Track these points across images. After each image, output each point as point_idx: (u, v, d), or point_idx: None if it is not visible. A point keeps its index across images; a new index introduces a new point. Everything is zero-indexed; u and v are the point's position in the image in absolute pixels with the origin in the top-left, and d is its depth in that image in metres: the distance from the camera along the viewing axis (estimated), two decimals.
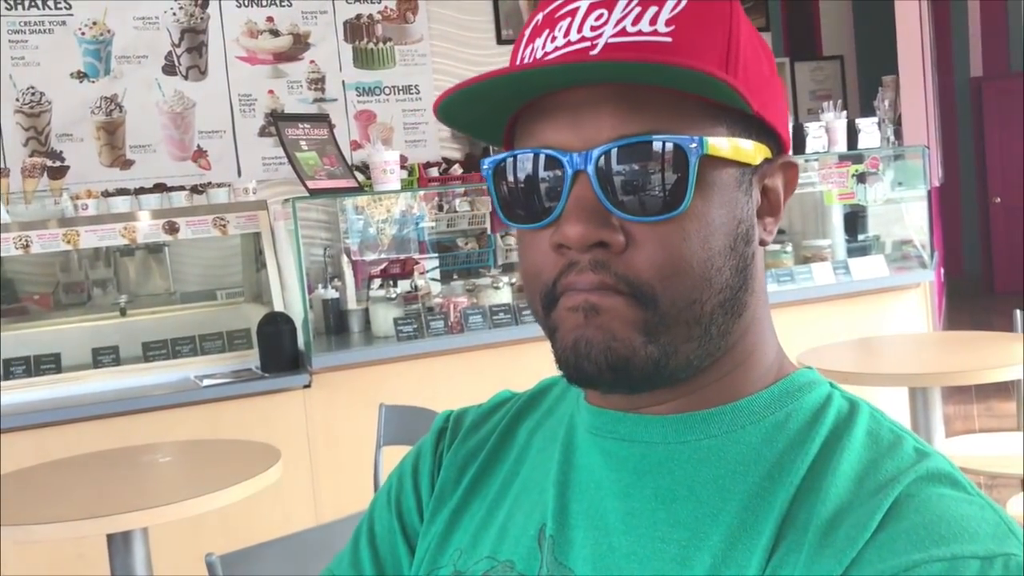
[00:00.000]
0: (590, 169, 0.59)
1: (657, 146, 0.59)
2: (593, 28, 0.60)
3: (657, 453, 0.64)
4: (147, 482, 2.33)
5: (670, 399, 0.64)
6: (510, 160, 0.63)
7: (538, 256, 0.63)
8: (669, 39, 0.59)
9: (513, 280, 3.76)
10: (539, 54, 0.62)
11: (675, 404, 0.65)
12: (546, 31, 0.62)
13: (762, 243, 0.65)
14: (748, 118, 0.62)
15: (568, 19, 0.61)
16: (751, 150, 0.62)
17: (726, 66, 0.60)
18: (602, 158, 0.59)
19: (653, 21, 0.59)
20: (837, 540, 0.55)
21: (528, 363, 3.60)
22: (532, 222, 0.63)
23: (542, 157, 0.61)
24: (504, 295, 3.67)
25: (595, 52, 0.59)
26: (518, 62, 0.64)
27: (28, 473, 2.42)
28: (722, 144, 0.60)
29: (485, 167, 0.65)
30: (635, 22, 0.60)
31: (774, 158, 0.65)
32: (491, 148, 4.33)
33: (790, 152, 0.68)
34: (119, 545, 2.12)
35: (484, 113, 0.64)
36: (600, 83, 0.59)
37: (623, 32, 0.59)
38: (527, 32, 0.65)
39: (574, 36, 0.60)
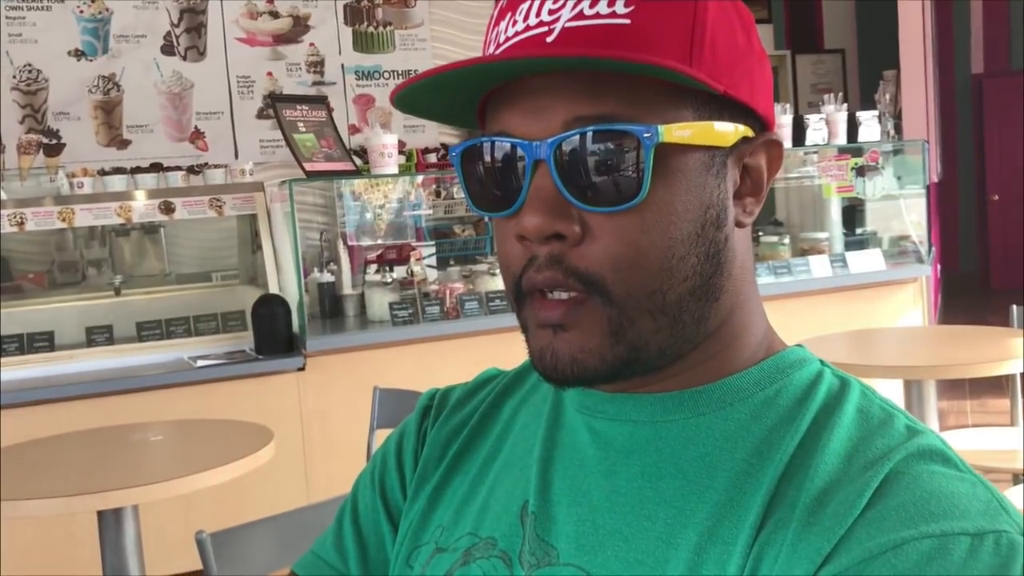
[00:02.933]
0: (548, 157, 0.58)
1: (611, 134, 0.57)
2: (551, 12, 0.59)
3: (645, 432, 0.64)
4: (139, 460, 2.33)
5: (658, 380, 0.64)
6: (475, 147, 0.62)
7: (506, 247, 0.62)
8: (627, 21, 0.57)
9: None
10: (501, 39, 0.61)
11: (663, 384, 0.64)
12: (508, 14, 0.61)
13: (739, 225, 0.64)
14: (720, 97, 0.60)
15: (528, 1, 0.60)
16: (723, 131, 0.60)
17: (690, 46, 0.58)
18: (559, 147, 0.58)
19: (611, 2, 0.58)
20: (826, 517, 0.54)
21: (523, 350, 3.59)
22: (497, 210, 0.62)
23: (503, 145, 0.60)
24: (500, 282, 3.66)
25: (551, 39, 0.58)
26: (487, 46, 0.63)
27: (19, 449, 2.42)
28: (682, 130, 0.58)
29: (453, 153, 0.64)
30: (592, 4, 0.58)
31: (756, 136, 0.64)
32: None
33: (775, 129, 0.67)
34: (110, 522, 2.12)
35: (450, 100, 0.63)
36: (556, 71, 0.58)
37: (580, 16, 0.58)
38: (494, 14, 0.64)
39: (532, 20, 0.59)
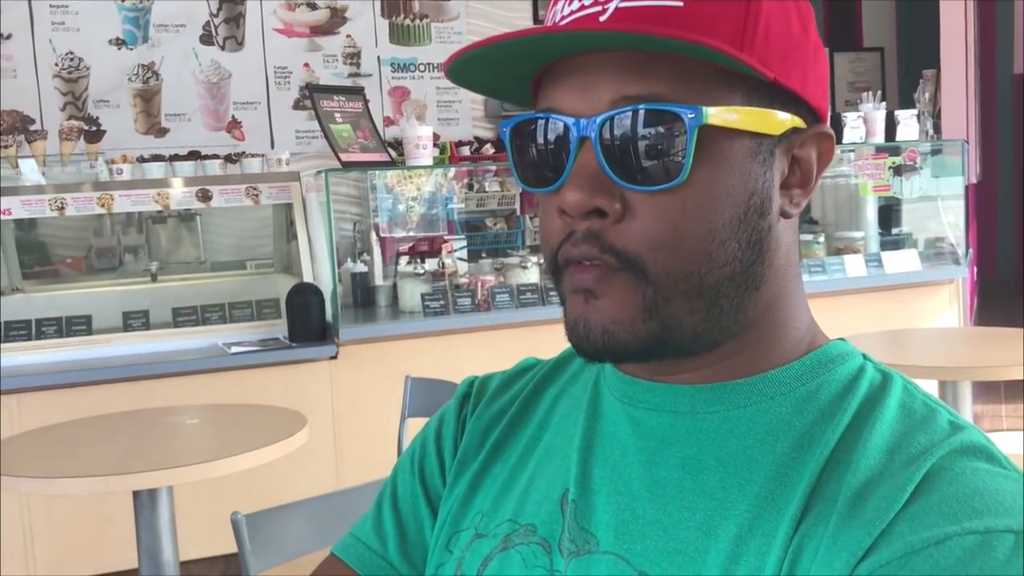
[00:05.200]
0: (593, 135, 0.59)
1: (656, 114, 0.58)
2: None
3: (685, 422, 0.64)
4: (174, 442, 2.36)
5: (696, 368, 0.64)
6: (524, 123, 0.63)
7: (548, 222, 0.63)
8: (681, 3, 0.58)
9: (541, 261, 3.76)
10: (557, 18, 0.62)
11: (703, 374, 0.64)
12: None
13: (785, 215, 0.63)
14: (771, 85, 0.60)
15: None
16: (772, 119, 0.60)
17: (742, 32, 0.58)
18: (606, 124, 0.58)
19: None
20: (867, 511, 0.55)
21: (553, 342, 3.59)
22: (542, 186, 0.63)
23: (551, 122, 0.61)
24: (532, 275, 3.68)
25: (604, 18, 0.59)
26: (546, 24, 0.64)
27: (57, 429, 2.46)
28: (729, 114, 0.58)
29: (503, 129, 0.65)
30: None
31: (807, 127, 0.63)
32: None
33: (827, 121, 0.66)
34: (145, 502, 2.15)
35: (505, 75, 0.64)
36: (608, 49, 0.59)
37: None
38: None
39: (587, 0, 0.60)
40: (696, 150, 0.58)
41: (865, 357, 0.67)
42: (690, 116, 0.57)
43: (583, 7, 0.60)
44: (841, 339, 0.68)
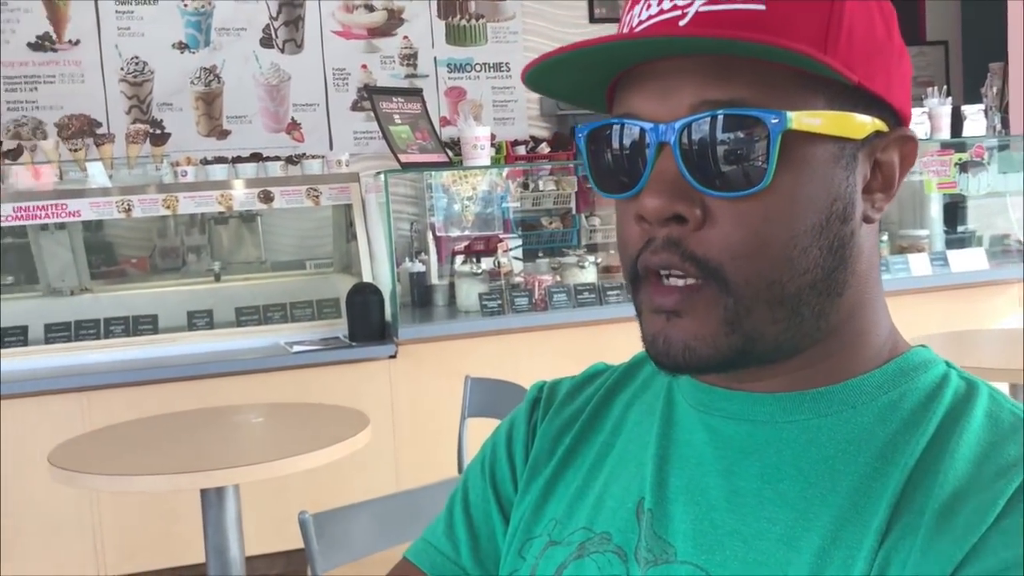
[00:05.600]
0: (673, 141, 0.58)
1: (737, 119, 0.57)
2: None
3: (764, 432, 0.63)
4: (241, 441, 2.40)
5: (775, 376, 0.63)
6: (600, 129, 0.63)
7: (625, 228, 0.62)
8: (763, 7, 0.57)
9: (599, 260, 3.75)
10: (634, 22, 0.61)
11: (782, 382, 0.63)
12: None
13: (867, 220, 0.62)
14: (854, 89, 0.59)
15: None
16: (855, 123, 0.59)
17: (825, 35, 0.58)
18: (685, 130, 0.58)
19: None
20: (957, 525, 0.54)
21: (610, 343, 3.58)
22: (619, 192, 0.62)
23: (629, 127, 0.61)
24: (589, 275, 3.67)
25: (684, 23, 0.58)
26: (620, 30, 0.63)
27: (124, 428, 2.52)
28: (812, 119, 0.57)
29: (579, 134, 0.65)
30: None
31: (890, 131, 0.62)
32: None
33: (910, 124, 0.65)
34: (212, 500, 2.19)
35: (581, 80, 0.64)
36: (688, 54, 0.58)
37: (714, 0, 0.58)
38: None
39: (666, 4, 0.59)
40: (779, 155, 0.57)
41: (948, 365, 0.65)
42: (773, 121, 0.56)
43: (662, 12, 0.59)
44: (923, 346, 0.67)
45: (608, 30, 5.66)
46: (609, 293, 3.49)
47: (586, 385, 0.80)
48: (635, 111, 0.61)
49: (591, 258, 3.74)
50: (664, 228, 0.59)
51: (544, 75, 0.63)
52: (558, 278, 3.68)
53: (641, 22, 0.61)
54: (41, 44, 4.77)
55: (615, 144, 0.62)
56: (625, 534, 0.66)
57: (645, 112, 0.60)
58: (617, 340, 3.56)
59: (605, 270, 3.80)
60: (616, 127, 0.62)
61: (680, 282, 0.60)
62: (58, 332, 3.32)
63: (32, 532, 3.14)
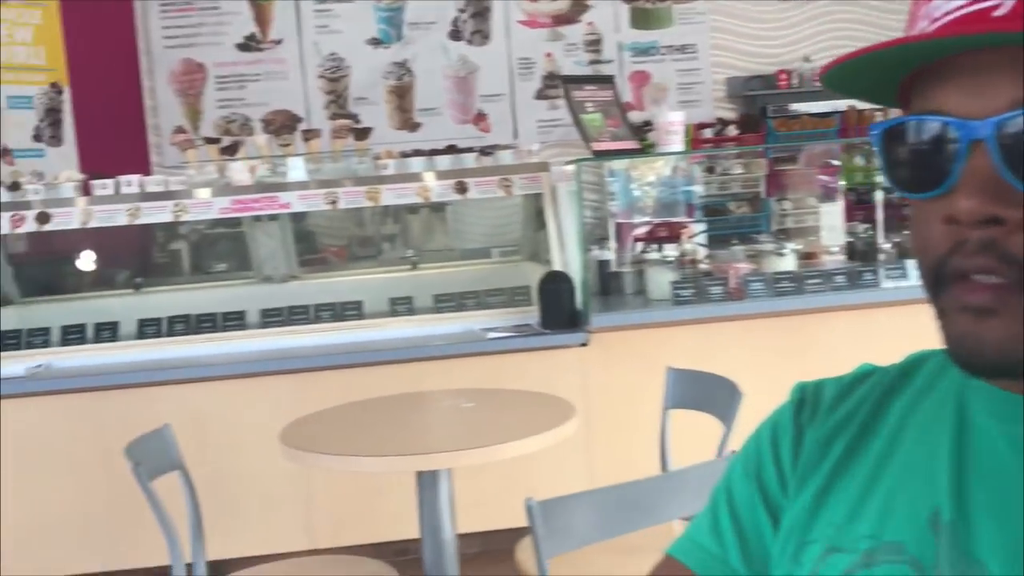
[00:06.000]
0: (989, 138, 0.55)
1: None
2: None
3: None
4: (454, 425, 2.48)
5: None
6: (900, 126, 0.60)
7: (928, 229, 0.60)
8: None
9: (798, 247, 3.63)
10: (937, 14, 0.58)
11: None
12: None
13: None
14: None
15: None
16: None
17: None
18: (1004, 127, 0.55)
19: None
20: None
21: (814, 335, 3.48)
22: (922, 192, 0.60)
23: (936, 124, 0.58)
24: (788, 262, 3.56)
25: (1000, 12, 0.55)
26: (916, 22, 0.61)
27: (344, 410, 2.64)
28: None
29: (874, 132, 0.62)
30: None
31: None
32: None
33: None
34: (427, 482, 2.27)
35: (879, 77, 0.62)
36: (998, 47, 0.55)
37: None
38: None
39: None
40: None
41: None
42: None
43: (973, 2, 0.56)
44: None
45: (798, 9, 5.47)
46: (809, 282, 3.38)
47: (855, 387, 0.78)
48: (943, 107, 0.58)
49: (790, 245, 3.62)
50: (979, 230, 0.57)
51: (840, 74, 0.61)
52: (754, 265, 3.59)
53: (946, 13, 0.58)
54: (247, 44, 5.07)
55: (917, 141, 0.60)
56: (920, 545, 0.64)
57: (955, 108, 0.58)
58: (819, 332, 3.45)
59: (804, 257, 3.67)
60: (917, 124, 0.60)
61: (993, 279, 0.57)
62: (273, 317, 3.54)
63: (249, 507, 3.35)
